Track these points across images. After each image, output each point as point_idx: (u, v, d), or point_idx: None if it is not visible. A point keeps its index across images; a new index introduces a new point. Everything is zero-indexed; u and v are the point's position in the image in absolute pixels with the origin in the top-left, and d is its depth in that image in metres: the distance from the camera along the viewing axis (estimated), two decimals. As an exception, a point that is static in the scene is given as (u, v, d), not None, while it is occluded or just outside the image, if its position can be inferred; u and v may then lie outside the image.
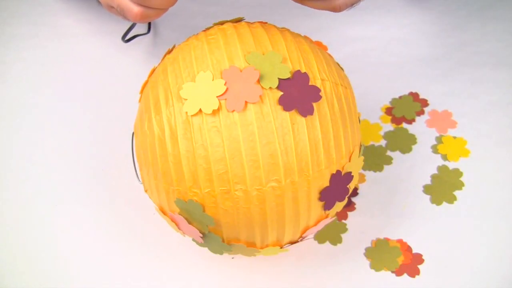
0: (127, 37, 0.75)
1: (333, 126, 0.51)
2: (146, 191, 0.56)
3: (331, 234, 0.63)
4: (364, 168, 0.68)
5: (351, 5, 0.56)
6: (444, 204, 0.65)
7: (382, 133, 0.71)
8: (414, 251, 0.62)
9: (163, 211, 0.55)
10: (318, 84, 0.51)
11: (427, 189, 0.66)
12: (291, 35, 0.54)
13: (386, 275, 0.61)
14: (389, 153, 0.69)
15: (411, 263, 0.61)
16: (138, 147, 0.55)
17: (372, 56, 0.77)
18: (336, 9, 0.56)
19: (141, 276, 0.61)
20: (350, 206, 0.65)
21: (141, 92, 0.57)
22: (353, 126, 0.54)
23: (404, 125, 0.71)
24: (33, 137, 0.71)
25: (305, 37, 0.57)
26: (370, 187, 0.67)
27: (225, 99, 0.49)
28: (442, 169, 0.68)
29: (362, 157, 0.55)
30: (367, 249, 0.62)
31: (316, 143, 0.50)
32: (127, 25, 0.77)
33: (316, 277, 0.61)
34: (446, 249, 0.62)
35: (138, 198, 0.64)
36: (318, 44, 0.59)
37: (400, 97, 0.74)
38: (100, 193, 0.67)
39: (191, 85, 0.50)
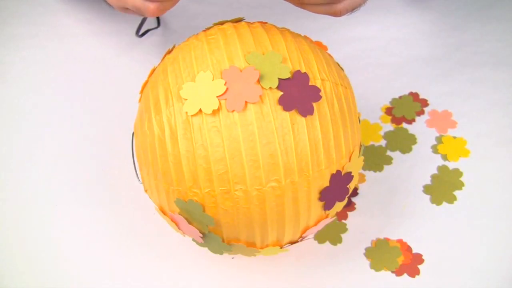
0: (140, 32, 0.76)
1: (333, 126, 0.51)
2: (146, 191, 0.56)
3: (331, 234, 0.63)
4: (364, 168, 0.68)
5: (352, 10, 0.57)
6: (444, 204, 0.65)
7: (382, 133, 0.71)
8: (414, 251, 0.62)
9: (163, 211, 0.55)
10: (318, 84, 0.51)
11: (427, 189, 0.66)
12: (291, 35, 0.54)
13: (386, 275, 0.61)
14: (389, 153, 0.69)
15: (411, 263, 0.61)
16: (138, 147, 0.55)
17: (372, 56, 0.77)
18: (337, 13, 0.56)
19: (141, 276, 0.61)
20: (350, 206, 0.65)
21: (141, 92, 0.57)
22: (353, 126, 0.54)
23: (404, 125, 0.71)
24: (33, 137, 0.71)
25: (305, 37, 0.57)
26: (370, 187, 0.67)
27: (225, 99, 0.49)
28: (442, 169, 0.68)
29: (362, 157, 0.55)
30: (367, 249, 0.62)
31: (316, 143, 0.50)
32: (127, 26, 0.77)
33: (316, 277, 0.61)
34: (446, 249, 0.62)
35: (138, 198, 0.64)
36: (318, 44, 0.59)
37: (400, 97, 0.74)
38: (100, 193, 0.67)
39: (191, 85, 0.50)
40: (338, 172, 0.52)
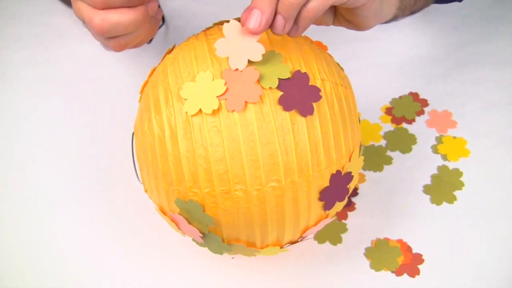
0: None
1: (333, 126, 0.51)
2: (146, 191, 0.56)
3: (331, 234, 0.63)
4: (364, 168, 0.68)
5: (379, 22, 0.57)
6: (444, 204, 0.65)
7: (382, 133, 0.71)
8: (414, 251, 0.62)
9: (163, 211, 0.55)
10: (318, 84, 0.51)
11: (427, 189, 0.66)
12: (291, 35, 0.54)
13: (386, 275, 0.61)
14: (389, 153, 0.69)
15: (411, 263, 0.61)
16: (138, 147, 0.55)
17: (372, 56, 0.77)
18: (365, 29, 0.56)
19: (141, 276, 0.61)
20: (350, 206, 0.65)
21: (141, 92, 0.57)
22: (353, 126, 0.53)
23: (404, 125, 0.71)
24: (33, 137, 0.71)
25: (305, 37, 0.57)
26: (370, 187, 0.66)
27: (225, 99, 0.49)
28: (442, 169, 0.68)
29: (362, 157, 0.55)
30: (367, 249, 0.62)
31: (316, 143, 0.50)
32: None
33: (316, 277, 0.61)
34: (446, 249, 0.62)
35: (138, 198, 0.64)
36: (318, 44, 0.59)
37: (400, 97, 0.74)
38: (100, 193, 0.67)
39: (191, 85, 0.50)
40: (338, 172, 0.52)
